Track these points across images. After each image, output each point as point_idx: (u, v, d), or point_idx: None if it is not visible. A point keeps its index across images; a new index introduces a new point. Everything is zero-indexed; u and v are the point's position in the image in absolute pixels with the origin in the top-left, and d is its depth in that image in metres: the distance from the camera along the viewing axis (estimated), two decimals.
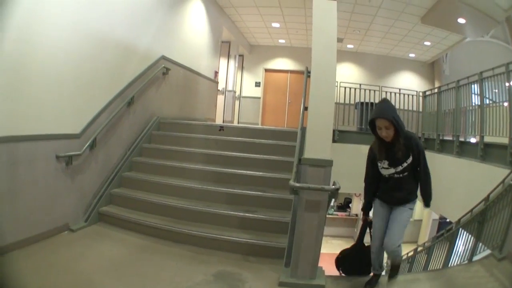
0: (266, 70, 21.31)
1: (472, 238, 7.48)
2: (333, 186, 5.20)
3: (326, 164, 5.38)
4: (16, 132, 5.59)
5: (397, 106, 12.62)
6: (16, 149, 5.64)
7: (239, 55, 20.05)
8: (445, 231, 9.17)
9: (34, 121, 5.98)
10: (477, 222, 7.39)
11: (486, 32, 16.35)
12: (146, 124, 9.49)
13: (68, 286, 4.87)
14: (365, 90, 13.08)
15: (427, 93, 13.03)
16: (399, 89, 13.09)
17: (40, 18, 5.88)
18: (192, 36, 12.28)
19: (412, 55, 19.85)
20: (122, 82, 8.39)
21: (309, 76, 5.94)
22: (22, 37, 5.55)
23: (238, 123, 19.45)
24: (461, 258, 7.78)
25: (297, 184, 5.23)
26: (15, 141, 5.60)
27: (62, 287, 4.83)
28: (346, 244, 21.18)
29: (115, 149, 8.29)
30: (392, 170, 4.96)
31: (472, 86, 9.59)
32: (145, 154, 8.98)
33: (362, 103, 13.11)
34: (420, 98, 13.15)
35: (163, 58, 10.16)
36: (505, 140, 7.78)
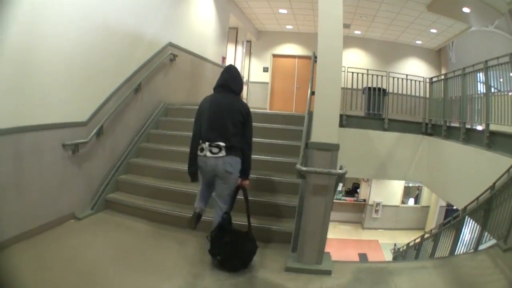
0: (274, 56, 21.32)
1: (478, 226, 7.48)
2: (340, 170, 5.20)
3: (333, 148, 5.39)
4: (23, 123, 5.61)
5: (404, 92, 12.68)
6: (23, 140, 5.66)
7: (247, 41, 20.14)
8: (452, 219, 9.17)
9: (41, 111, 6.00)
10: (483, 211, 7.37)
11: (490, 23, 16.29)
12: (153, 110, 9.53)
13: (75, 275, 4.89)
14: (372, 75, 13.06)
15: (434, 79, 13.00)
16: (406, 75, 13.07)
17: (48, 8, 5.90)
18: (199, 22, 12.32)
19: (418, 42, 19.82)
20: (129, 69, 8.42)
21: (316, 61, 5.93)
22: (29, 27, 5.57)
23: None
24: (467, 247, 7.78)
25: (304, 168, 5.24)
26: (22, 132, 5.61)
27: (68, 276, 4.85)
28: (354, 230, 21.32)
29: (122, 135, 8.32)
30: None
31: (478, 74, 9.57)
32: (153, 140, 9.01)
33: (369, 88, 13.12)
34: (427, 85, 13.14)
35: (170, 44, 10.18)
36: (510, 129, 7.77)
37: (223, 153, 5.21)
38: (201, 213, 5.73)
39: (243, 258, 5.36)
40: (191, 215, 5.78)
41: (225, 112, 5.33)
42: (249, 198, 5.64)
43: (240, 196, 5.62)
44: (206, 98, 5.71)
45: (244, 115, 5.37)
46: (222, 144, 5.21)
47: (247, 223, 5.56)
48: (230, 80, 5.59)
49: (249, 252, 5.41)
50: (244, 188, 5.58)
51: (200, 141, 5.41)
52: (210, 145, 5.25)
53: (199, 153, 5.40)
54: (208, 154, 5.25)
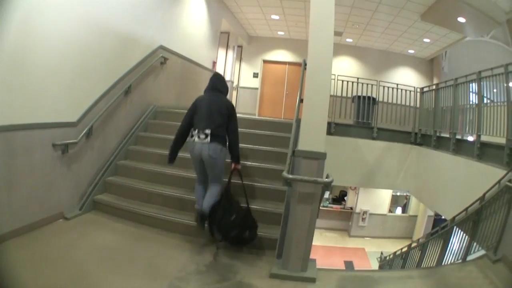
0: (265, 61, 21.36)
1: (467, 237, 7.48)
2: (326, 179, 5.22)
3: (320, 157, 5.41)
4: (12, 121, 5.59)
5: (394, 101, 12.70)
6: (13, 138, 5.65)
7: (238, 46, 20.18)
8: (440, 228, 9.17)
9: (31, 110, 5.99)
10: (472, 221, 7.38)
11: (486, 33, 16.38)
12: (142, 113, 9.55)
13: (62, 274, 4.88)
14: (362, 84, 13.06)
15: (425, 89, 13.01)
16: (397, 84, 13.09)
17: (40, 9, 5.88)
18: (190, 26, 12.33)
19: (411, 51, 19.86)
20: (120, 71, 8.42)
21: (306, 68, 5.93)
22: (22, 29, 5.57)
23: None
24: (455, 257, 7.78)
25: (290, 176, 5.26)
26: (12, 130, 5.60)
27: (55, 276, 4.84)
28: (341, 237, 21.33)
29: (112, 137, 8.33)
30: None
31: (470, 84, 9.58)
32: (141, 142, 9.02)
33: (359, 97, 13.09)
34: (418, 94, 13.14)
35: (161, 47, 10.20)
36: (502, 140, 7.77)
37: (208, 140, 6.08)
38: (204, 213, 6.06)
39: (254, 229, 6.11)
40: (195, 218, 6.29)
41: (213, 106, 6.32)
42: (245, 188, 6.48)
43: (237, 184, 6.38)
44: (200, 96, 6.68)
45: (229, 109, 6.37)
46: (208, 131, 6.10)
47: (245, 203, 6.34)
48: (218, 83, 6.68)
49: (255, 224, 6.14)
50: (238, 170, 6.53)
51: (192, 129, 6.33)
52: (198, 132, 6.17)
53: (189, 138, 6.36)
54: (196, 139, 6.15)
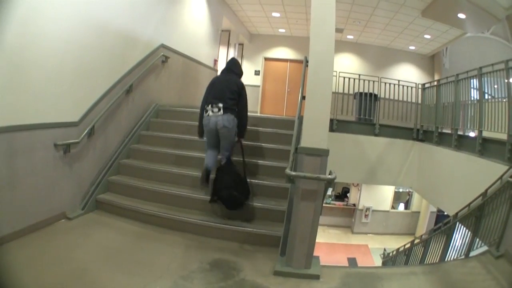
0: (266, 59, 21.29)
1: (469, 233, 7.48)
2: (329, 176, 5.23)
3: (323, 154, 5.41)
4: (14, 122, 5.58)
5: (396, 98, 12.71)
6: (15, 139, 5.65)
7: (239, 44, 20.08)
8: (443, 224, 9.16)
9: (33, 111, 5.98)
10: (474, 217, 7.37)
11: (486, 29, 16.35)
12: (144, 112, 9.53)
13: (65, 274, 4.87)
14: (364, 80, 13.11)
15: (426, 85, 13.02)
16: (398, 81, 13.11)
17: (39, 9, 5.86)
18: (191, 24, 12.32)
19: (412, 47, 19.83)
20: (121, 70, 8.41)
21: (307, 66, 5.92)
22: (22, 29, 5.55)
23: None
24: (458, 253, 7.78)
25: (293, 173, 5.27)
26: (13, 131, 5.59)
27: (58, 276, 4.82)
28: (344, 234, 21.31)
29: (114, 136, 8.32)
30: None
31: (471, 80, 9.57)
32: (143, 141, 9.02)
33: (361, 94, 13.19)
34: (419, 90, 13.14)
35: (163, 46, 10.19)
36: (503, 136, 7.78)
37: (221, 112, 6.90)
38: (209, 169, 7.07)
39: (246, 192, 6.93)
40: (201, 174, 7.16)
41: (226, 84, 7.21)
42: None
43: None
44: (215, 76, 7.98)
45: (239, 87, 7.28)
46: (220, 105, 6.93)
47: (243, 171, 7.24)
48: (232, 65, 7.67)
49: (248, 190, 7.01)
50: (240, 143, 7.40)
51: (206, 106, 7.14)
52: (212, 106, 6.98)
53: (204, 114, 7.15)
54: (211, 113, 6.96)
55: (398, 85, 12.99)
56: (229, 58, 8.45)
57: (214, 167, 7.19)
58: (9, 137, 5.52)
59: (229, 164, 7.15)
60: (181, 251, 5.92)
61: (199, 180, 7.20)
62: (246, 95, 7.42)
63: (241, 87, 7.36)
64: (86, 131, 7.14)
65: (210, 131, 7.06)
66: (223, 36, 16.45)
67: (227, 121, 6.90)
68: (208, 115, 7.01)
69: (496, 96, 8.52)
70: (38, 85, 6.01)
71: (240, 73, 7.76)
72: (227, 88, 7.17)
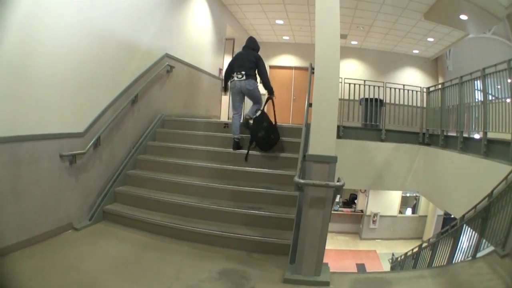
0: (271, 67, 21.13)
1: (476, 234, 7.48)
2: (338, 183, 5.20)
3: (331, 161, 5.38)
4: (19, 132, 5.59)
5: (401, 102, 12.75)
6: (20, 149, 5.66)
7: None
8: (450, 227, 9.15)
9: (37, 121, 5.99)
10: (480, 219, 7.37)
11: (488, 29, 16.35)
12: (150, 122, 9.54)
13: (72, 285, 4.88)
14: (369, 86, 13.11)
15: (431, 89, 13.00)
16: (403, 85, 13.08)
17: (42, 18, 5.89)
18: (195, 33, 12.34)
19: (415, 51, 19.83)
20: (126, 80, 8.44)
21: (313, 73, 5.91)
22: (24, 37, 5.56)
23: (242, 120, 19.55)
24: (465, 255, 7.77)
25: (302, 181, 5.23)
26: (18, 141, 5.61)
27: (65, 286, 4.84)
28: (352, 240, 21.28)
29: (120, 147, 8.33)
30: None
31: (475, 82, 9.58)
32: (150, 151, 9.02)
33: (366, 99, 13.17)
34: (424, 94, 13.14)
35: (167, 56, 10.20)
36: (508, 136, 7.78)
37: (244, 77, 8.83)
38: (238, 140, 8.90)
39: (277, 135, 8.79)
40: (233, 143, 8.89)
41: (245, 57, 9.05)
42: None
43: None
44: (237, 52, 9.73)
45: (256, 58, 9.01)
46: (243, 72, 8.82)
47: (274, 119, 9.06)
48: (250, 43, 9.46)
49: (278, 134, 8.84)
50: (272, 100, 9.22)
51: (231, 74, 9.07)
52: (236, 74, 8.91)
53: (231, 80, 9.10)
54: (236, 79, 8.90)
55: (403, 89, 12.98)
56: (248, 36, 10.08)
57: (239, 134, 8.93)
58: (13, 147, 5.55)
59: (262, 115, 8.90)
60: (189, 261, 5.90)
61: (232, 148, 8.82)
62: (263, 63, 9.16)
63: (258, 58, 9.05)
64: (92, 142, 7.15)
65: (235, 92, 9.07)
66: (227, 45, 16.49)
67: (249, 84, 8.85)
68: (234, 80, 8.95)
69: (500, 97, 8.53)
70: (41, 95, 6.04)
71: (257, 49, 9.43)
72: (247, 59, 8.95)
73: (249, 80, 8.90)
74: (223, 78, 9.64)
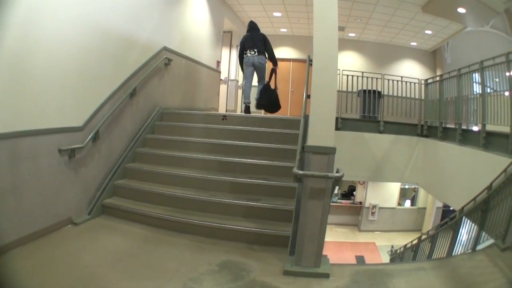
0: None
1: (476, 227, 7.48)
2: (337, 174, 5.23)
3: (330, 152, 5.38)
4: (18, 128, 5.55)
5: (399, 94, 12.82)
6: (18, 145, 5.61)
7: None
8: (449, 220, 9.16)
9: (36, 116, 5.95)
10: (480, 211, 7.37)
11: (486, 22, 16.34)
12: (149, 115, 9.52)
13: (73, 280, 4.86)
14: (367, 78, 13.21)
15: (429, 81, 13.06)
16: (401, 77, 13.18)
17: (41, 12, 5.84)
18: (193, 26, 12.34)
19: (413, 43, 19.88)
20: (124, 73, 8.39)
21: (311, 65, 5.92)
22: (23, 32, 5.52)
23: (241, 112, 19.56)
24: (465, 247, 7.78)
25: (301, 172, 5.24)
26: (17, 137, 5.56)
27: (66, 282, 4.81)
28: (351, 232, 21.33)
29: (118, 140, 8.29)
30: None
31: (474, 75, 9.59)
32: (149, 144, 9.00)
33: (364, 91, 13.26)
34: (422, 86, 13.20)
35: (165, 49, 10.17)
36: (506, 129, 7.79)
37: (256, 54, 11.08)
38: (248, 105, 11.33)
39: (278, 103, 11.34)
40: (244, 108, 11.45)
41: (255, 37, 11.31)
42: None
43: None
44: (245, 34, 11.72)
45: (264, 37, 11.32)
46: (255, 50, 11.09)
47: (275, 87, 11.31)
48: (254, 25, 11.64)
49: (279, 104, 11.37)
50: (275, 70, 11.33)
51: (244, 51, 11.30)
52: (249, 51, 11.16)
53: (244, 56, 11.27)
54: (249, 55, 11.14)
55: (401, 81, 13.03)
56: (248, 22, 12.16)
57: (249, 100, 11.40)
58: (12, 143, 5.49)
59: (268, 86, 11.31)
60: (189, 254, 5.89)
61: (244, 112, 11.32)
62: (269, 40, 11.43)
63: (265, 37, 11.39)
64: (90, 136, 7.09)
65: (248, 65, 11.25)
66: (225, 38, 16.50)
67: (261, 59, 11.20)
68: (247, 56, 11.21)
69: (498, 90, 8.53)
70: (40, 90, 5.98)
71: (259, 29, 11.68)
72: (257, 39, 11.24)
73: (261, 56, 11.21)
74: (238, 57, 11.88)
